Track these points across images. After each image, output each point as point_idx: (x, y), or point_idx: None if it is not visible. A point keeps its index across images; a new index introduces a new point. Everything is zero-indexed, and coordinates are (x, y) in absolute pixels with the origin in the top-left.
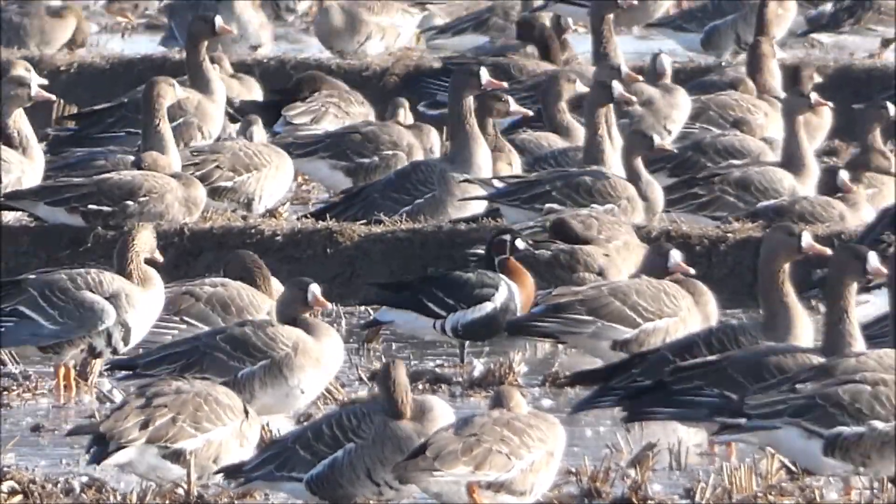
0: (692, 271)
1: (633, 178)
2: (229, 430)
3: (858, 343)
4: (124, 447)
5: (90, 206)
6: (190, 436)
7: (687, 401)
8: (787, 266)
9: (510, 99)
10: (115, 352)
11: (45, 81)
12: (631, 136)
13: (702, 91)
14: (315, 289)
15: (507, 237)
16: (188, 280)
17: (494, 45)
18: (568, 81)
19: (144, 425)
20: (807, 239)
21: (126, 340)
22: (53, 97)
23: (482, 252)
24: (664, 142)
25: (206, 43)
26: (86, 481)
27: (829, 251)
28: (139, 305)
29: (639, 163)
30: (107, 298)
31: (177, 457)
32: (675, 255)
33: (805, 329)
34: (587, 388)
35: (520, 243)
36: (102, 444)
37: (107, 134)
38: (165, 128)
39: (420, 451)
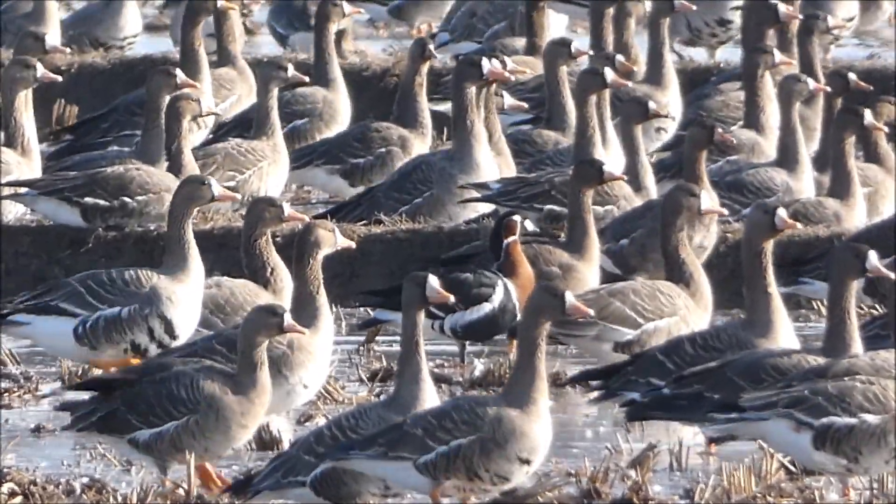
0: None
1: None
2: (181, 423)
3: (857, 345)
4: (83, 430)
5: (87, 199)
6: (137, 429)
7: (686, 405)
8: (769, 250)
9: (505, 93)
10: (160, 346)
11: (63, 48)
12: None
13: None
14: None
15: (518, 218)
16: None
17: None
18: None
19: (94, 413)
20: (780, 215)
21: (171, 334)
22: (59, 78)
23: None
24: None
25: (202, 23)
26: (86, 482)
27: (799, 225)
28: (179, 298)
29: (701, 159)
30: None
31: (135, 445)
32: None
33: (784, 326)
34: (587, 388)
35: (528, 225)
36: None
37: (103, 139)
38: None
39: None
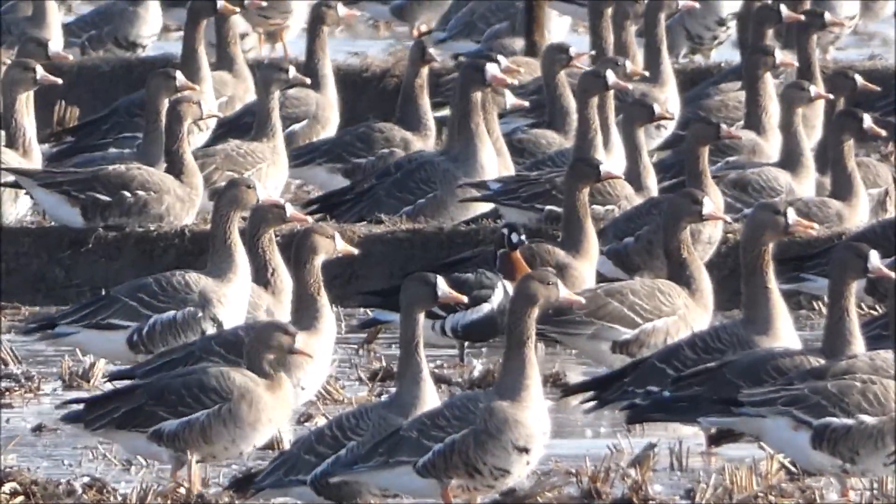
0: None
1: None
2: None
3: (858, 343)
4: (99, 429)
5: (89, 194)
6: (162, 420)
7: (685, 406)
8: (769, 248)
9: (507, 92)
10: None
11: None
12: (695, 125)
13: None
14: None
15: (505, 231)
16: None
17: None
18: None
19: (116, 410)
20: (793, 216)
21: None
22: (59, 80)
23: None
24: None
25: (204, 25)
26: (87, 482)
27: (815, 226)
28: (229, 300)
29: (704, 153)
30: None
31: (159, 437)
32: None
33: (785, 323)
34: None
35: (513, 237)
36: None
37: (104, 140)
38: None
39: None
